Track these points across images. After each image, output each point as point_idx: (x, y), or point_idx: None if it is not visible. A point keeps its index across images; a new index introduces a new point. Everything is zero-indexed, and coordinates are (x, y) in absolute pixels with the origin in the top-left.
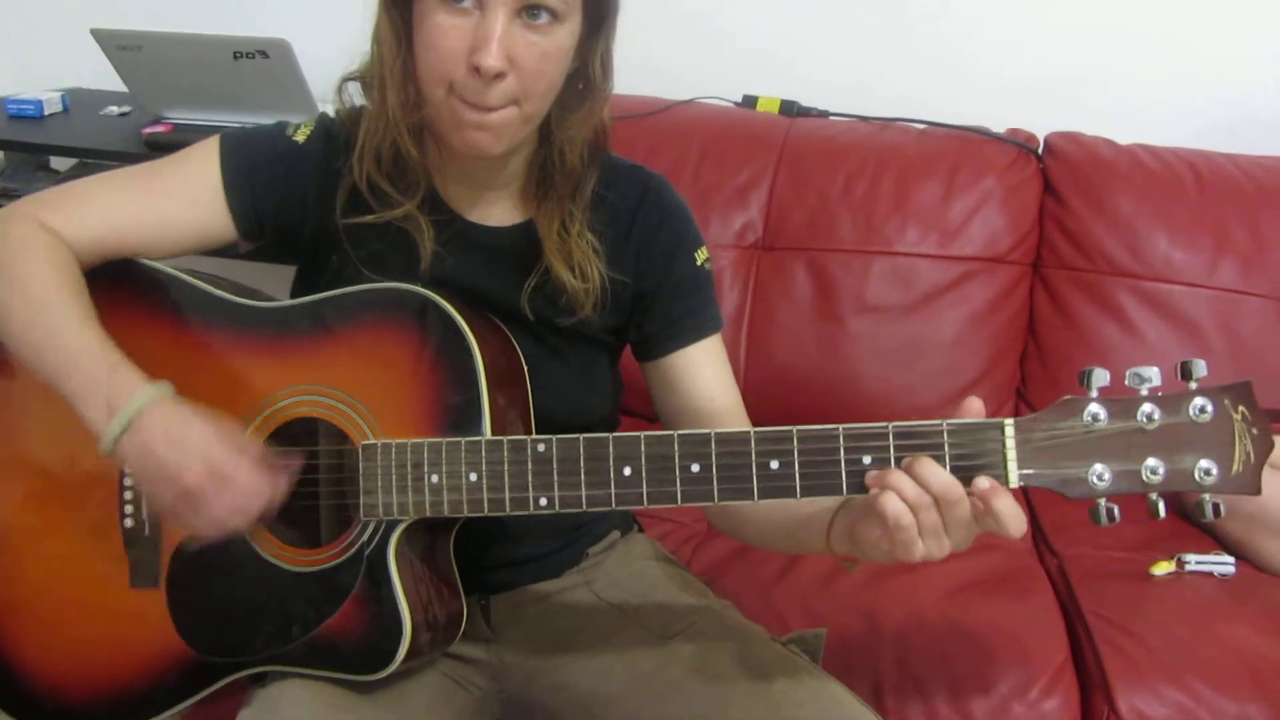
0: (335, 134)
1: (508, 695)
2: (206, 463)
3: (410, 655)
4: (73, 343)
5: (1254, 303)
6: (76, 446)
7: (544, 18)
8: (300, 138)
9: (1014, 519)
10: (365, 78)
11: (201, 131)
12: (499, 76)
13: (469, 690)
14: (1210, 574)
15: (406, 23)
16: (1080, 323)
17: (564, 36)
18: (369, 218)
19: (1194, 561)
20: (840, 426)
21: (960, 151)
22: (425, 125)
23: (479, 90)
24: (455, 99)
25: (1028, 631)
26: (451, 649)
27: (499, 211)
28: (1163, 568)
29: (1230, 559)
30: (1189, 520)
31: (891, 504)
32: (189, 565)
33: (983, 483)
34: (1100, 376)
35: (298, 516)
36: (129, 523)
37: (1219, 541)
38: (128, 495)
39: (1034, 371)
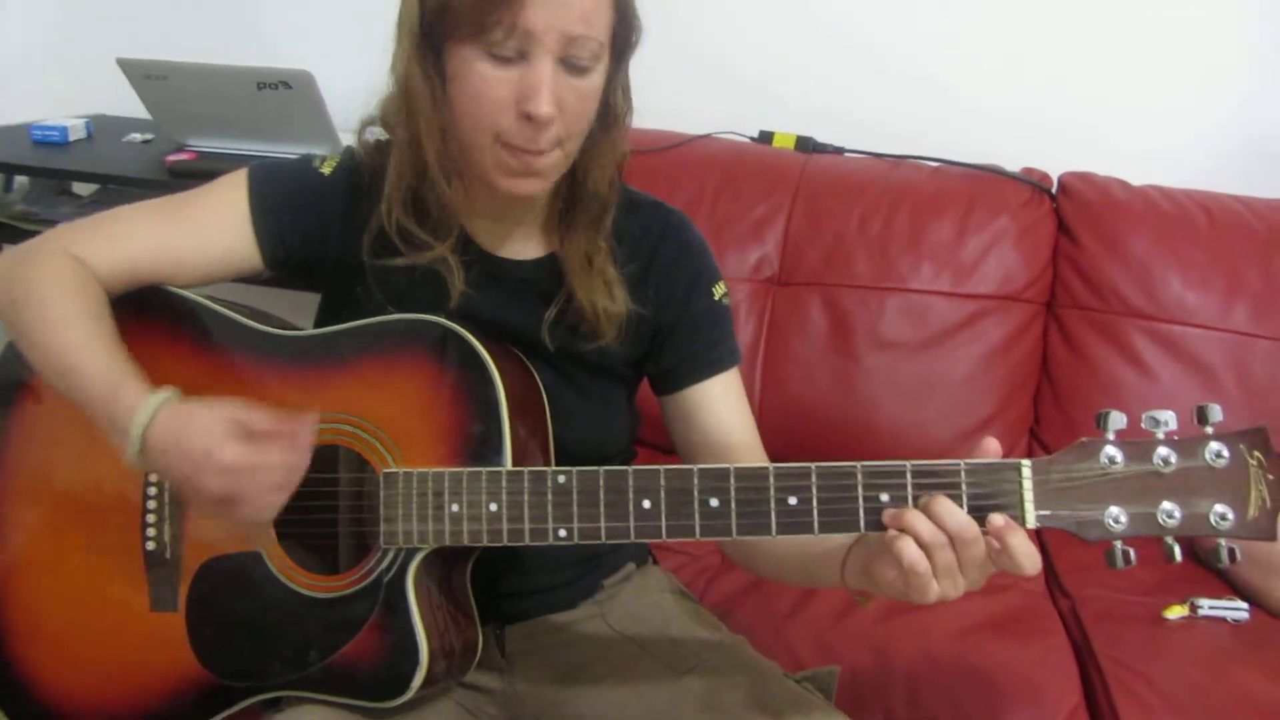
0: (359, 170)
1: None
2: (221, 470)
3: (426, 683)
4: (90, 367)
5: (1266, 345)
6: (99, 469)
7: (584, 62)
8: (326, 170)
9: (1028, 557)
10: (387, 120)
11: (224, 159)
12: (548, 122)
13: None
14: (1223, 619)
15: (439, 73)
16: (1094, 363)
17: (598, 76)
18: (399, 261)
19: (1207, 606)
20: (859, 464)
21: (974, 190)
22: (459, 170)
23: (530, 137)
24: (501, 146)
25: (1041, 673)
26: (466, 678)
27: (524, 245)
28: (1176, 611)
29: (1244, 605)
30: (1201, 564)
31: (908, 549)
32: (209, 589)
33: (997, 519)
34: (1117, 419)
35: (317, 542)
36: (150, 545)
37: (1231, 586)
38: (150, 518)
39: (1048, 411)
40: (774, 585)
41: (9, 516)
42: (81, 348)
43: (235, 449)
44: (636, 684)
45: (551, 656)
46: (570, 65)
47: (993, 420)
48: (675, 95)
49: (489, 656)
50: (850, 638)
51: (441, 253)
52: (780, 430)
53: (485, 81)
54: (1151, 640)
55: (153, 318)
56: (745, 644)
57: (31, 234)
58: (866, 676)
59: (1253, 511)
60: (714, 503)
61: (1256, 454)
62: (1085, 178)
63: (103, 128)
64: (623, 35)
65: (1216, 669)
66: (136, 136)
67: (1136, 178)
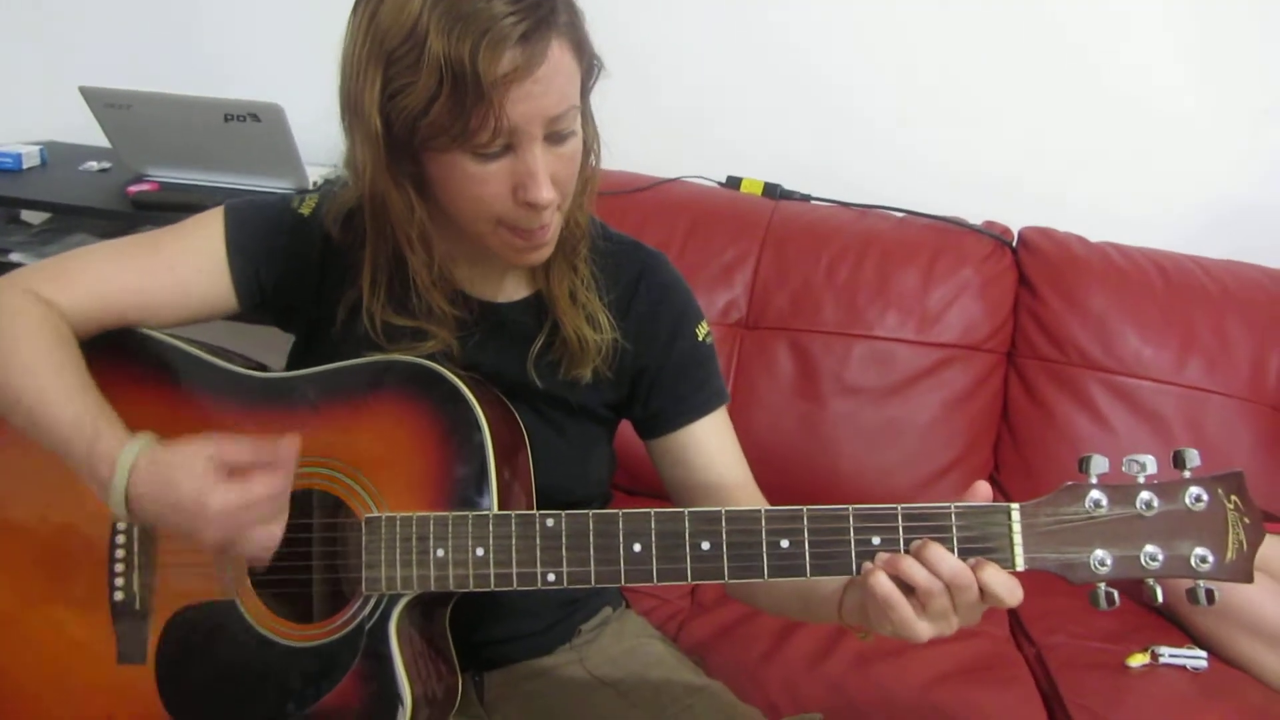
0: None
1: None
2: (214, 518)
3: None
4: (60, 415)
5: (1218, 401)
6: (64, 513)
7: (567, 130)
8: (305, 210)
9: (1005, 586)
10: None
11: (188, 190)
12: (550, 204)
13: None
14: (1183, 667)
15: (413, 179)
16: (1053, 412)
17: (578, 135)
18: (397, 355)
19: (1168, 654)
20: (850, 507)
21: (939, 241)
22: (445, 265)
23: (533, 218)
24: (505, 229)
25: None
26: None
27: (510, 287)
28: (1138, 659)
29: (1202, 653)
30: (1157, 612)
31: (881, 584)
32: (179, 640)
33: (969, 564)
34: (1099, 463)
35: (293, 590)
36: (119, 595)
37: (1188, 634)
38: (118, 567)
39: (1007, 458)
40: (746, 629)
41: None
42: (53, 394)
43: (224, 494)
44: None
45: (530, 704)
46: (555, 138)
47: (954, 466)
48: (643, 139)
49: (467, 704)
50: (823, 685)
51: (444, 338)
52: None
53: (476, 180)
54: (1116, 688)
55: (125, 361)
56: (726, 690)
57: None
58: None
59: (1231, 554)
60: (705, 546)
61: (1234, 498)
62: (1045, 233)
63: (57, 154)
64: (587, 80)
65: (1181, 717)
66: (93, 165)
67: (1092, 234)
